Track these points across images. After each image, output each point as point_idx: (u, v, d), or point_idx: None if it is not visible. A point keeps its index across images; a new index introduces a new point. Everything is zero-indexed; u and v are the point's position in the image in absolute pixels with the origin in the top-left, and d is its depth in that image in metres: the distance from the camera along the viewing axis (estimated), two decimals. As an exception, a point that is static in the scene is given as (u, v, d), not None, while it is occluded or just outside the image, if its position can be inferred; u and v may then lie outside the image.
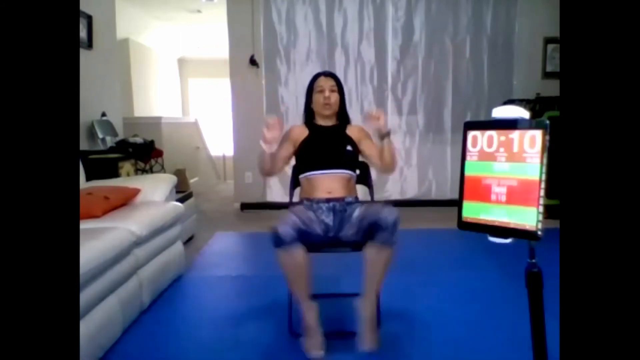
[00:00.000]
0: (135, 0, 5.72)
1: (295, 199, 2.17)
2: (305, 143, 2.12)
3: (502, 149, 0.97)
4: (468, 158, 1.03)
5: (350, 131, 2.16)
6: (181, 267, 2.80)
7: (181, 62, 8.50)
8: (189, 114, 8.50)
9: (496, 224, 0.98)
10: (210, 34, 7.16)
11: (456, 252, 3.32)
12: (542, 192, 0.91)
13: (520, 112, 0.96)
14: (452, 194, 4.78)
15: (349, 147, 2.10)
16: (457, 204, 1.04)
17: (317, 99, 2.13)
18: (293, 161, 2.18)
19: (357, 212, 1.95)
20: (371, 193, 2.26)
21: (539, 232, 0.92)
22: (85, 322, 1.70)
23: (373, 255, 1.77)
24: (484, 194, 1.00)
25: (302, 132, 2.16)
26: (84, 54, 3.82)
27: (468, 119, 4.68)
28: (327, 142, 2.11)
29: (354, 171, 2.11)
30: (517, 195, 0.95)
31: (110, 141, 4.03)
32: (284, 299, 2.05)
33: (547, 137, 0.91)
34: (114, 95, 4.56)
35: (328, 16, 4.73)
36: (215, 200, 5.72)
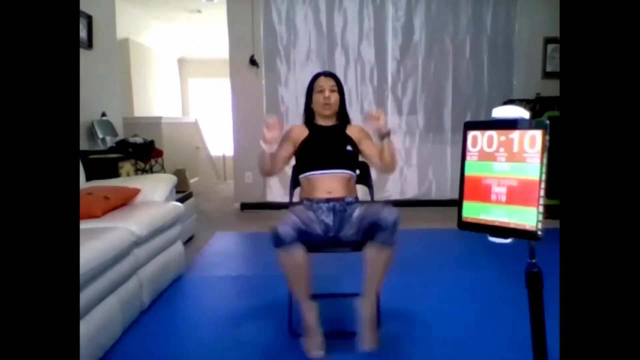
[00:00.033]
0: (135, 0, 5.72)
1: (295, 199, 2.17)
2: (305, 143, 2.12)
3: (502, 149, 0.97)
4: (468, 158, 1.03)
5: (350, 131, 2.16)
6: (181, 267, 2.80)
7: (181, 62, 8.50)
8: (189, 114, 8.50)
9: (496, 224, 0.98)
10: (210, 34, 7.16)
11: (456, 252, 3.32)
12: (542, 192, 0.91)
13: (520, 112, 0.96)
14: (452, 194, 4.78)
15: (349, 147, 2.10)
16: (457, 204, 1.04)
17: (317, 99, 2.13)
18: (293, 161, 2.18)
19: (357, 212, 1.95)
20: (371, 193, 2.26)
21: (539, 232, 0.92)
22: (85, 322, 1.70)
23: (373, 255, 1.77)
24: (484, 194, 1.00)
25: (302, 132, 2.16)
26: (84, 54, 3.82)
27: (468, 119, 4.68)
28: (327, 142, 2.11)
29: (354, 171, 2.11)
30: (517, 195, 0.95)
31: (110, 141, 4.03)
32: (284, 299, 2.05)
33: (547, 137, 0.92)
34: (114, 95, 4.56)
35: (328, 16, 4.73)
36: (215, 200, 5.72)
